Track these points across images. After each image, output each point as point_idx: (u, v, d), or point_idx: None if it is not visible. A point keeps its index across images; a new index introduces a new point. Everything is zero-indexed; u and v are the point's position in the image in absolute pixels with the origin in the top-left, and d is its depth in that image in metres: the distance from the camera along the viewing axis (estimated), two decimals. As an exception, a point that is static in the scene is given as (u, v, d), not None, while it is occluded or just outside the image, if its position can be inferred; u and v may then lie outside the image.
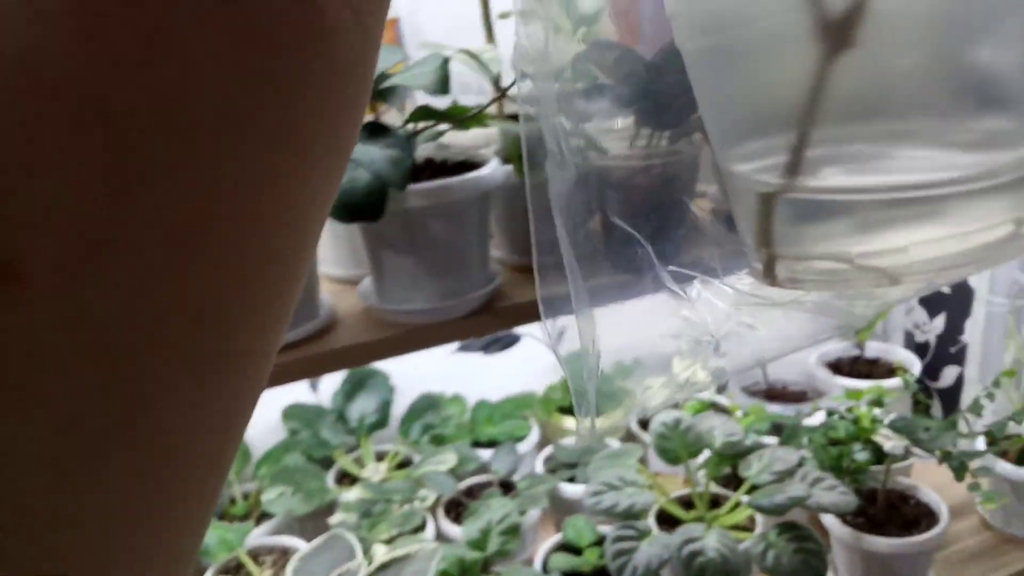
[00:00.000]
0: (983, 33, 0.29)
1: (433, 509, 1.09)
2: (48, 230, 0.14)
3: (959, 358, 1.54)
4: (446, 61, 0.70)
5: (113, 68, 0.14)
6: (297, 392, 1.30)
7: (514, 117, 0.84)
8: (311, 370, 0.71)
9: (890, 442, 1.06)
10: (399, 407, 1.29)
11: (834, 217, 0.32)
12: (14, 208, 0.13)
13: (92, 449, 0.15)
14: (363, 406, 1.23)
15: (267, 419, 1.27)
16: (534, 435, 1.29)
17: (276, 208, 0.17)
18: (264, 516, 1.11)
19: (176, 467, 0.17)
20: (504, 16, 0.92)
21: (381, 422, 1.23)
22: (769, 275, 0.35)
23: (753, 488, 0.99)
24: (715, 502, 1.10)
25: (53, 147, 0.13)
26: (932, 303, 1.61)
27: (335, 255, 0.85)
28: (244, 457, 1.21)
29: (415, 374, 1.36)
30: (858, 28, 0.27)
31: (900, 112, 0.30)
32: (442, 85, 0.69)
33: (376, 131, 0.66)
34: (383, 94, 0.70)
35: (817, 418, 1.24)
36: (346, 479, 1.21)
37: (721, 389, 1.50)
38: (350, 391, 1.25)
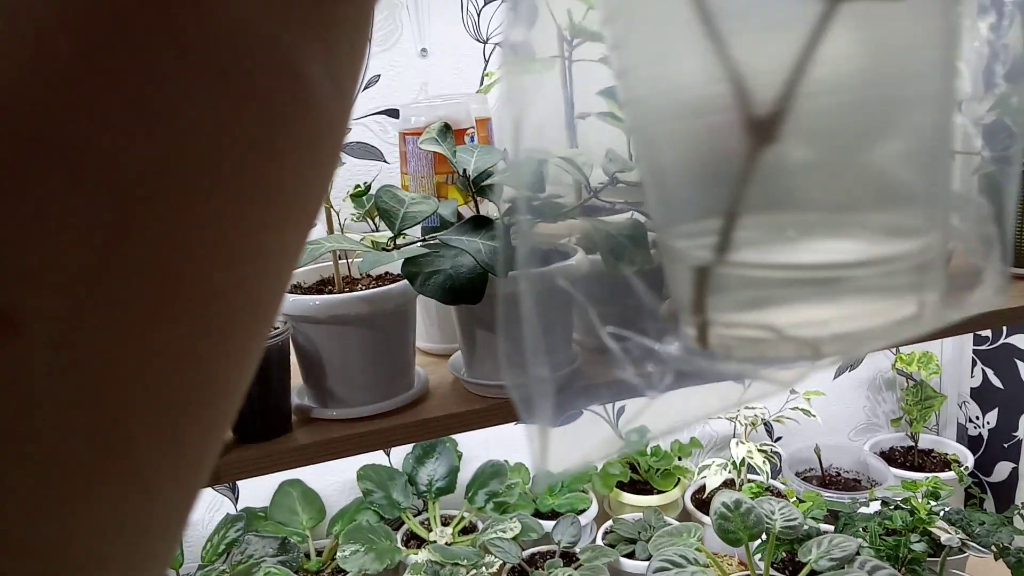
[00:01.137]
0: (886, 136, 0.32)
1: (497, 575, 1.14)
2: (44, 281, 0.14)
3: (1013, 453, 1.55)
4: (542, 163, 0.79)
5: (115, 129, 0.15)
6: (370, 454, 1.37)
7: (594, 211, 0.92)
8: (408, 437, 0.77)
9: (945, 535, 1.09)
10: (465, 471, 1.35)
11: (761, 291, 0.34)
12: (11, 260, 0.14)
13: (76, 483, 0.16)
14: (432, 471, 1.29)
15: (343, 478, 1.34)
16: (593, 508, 1.34)
17: (259, 259, 0.18)
18: (337, 572, 1.17)
19: (152, 503, 0.18)
20: (582, 117, 1.01)
21: (448, 487, 1.29)
22: (702, 340, 0.36)
23: (812, 573, 1.02)
24: (772, 584, 1.12)
25: (51, 202, 0.14)
26: (985, 398, 1.63)
27: (427, 331, 0.93)
28: (319, 513, 1.27)
29: (480, 439, 1.42)
30: (782, 125, 0.29)
31: (814, 202, 0.33)
32: (539, 185, 0.77)
33: (480, 224, 0.74)
34: (484, 190, 0.79)
35: (872, 507, 1.26)
36: (413, 541, 1.26)
37: (775, 474, 1.53)
38: (420, 455, 1.31)
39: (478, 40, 1.25)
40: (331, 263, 0.80)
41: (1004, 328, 1.55)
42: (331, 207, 0.76)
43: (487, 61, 1.26)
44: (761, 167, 0.31)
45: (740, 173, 0.31)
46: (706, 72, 0.31)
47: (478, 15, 1.24)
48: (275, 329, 0.73)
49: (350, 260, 0.83)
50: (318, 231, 1.04)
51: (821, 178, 0.32)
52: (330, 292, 0.78)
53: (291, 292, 0.79)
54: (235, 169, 0.16)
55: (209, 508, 1.30)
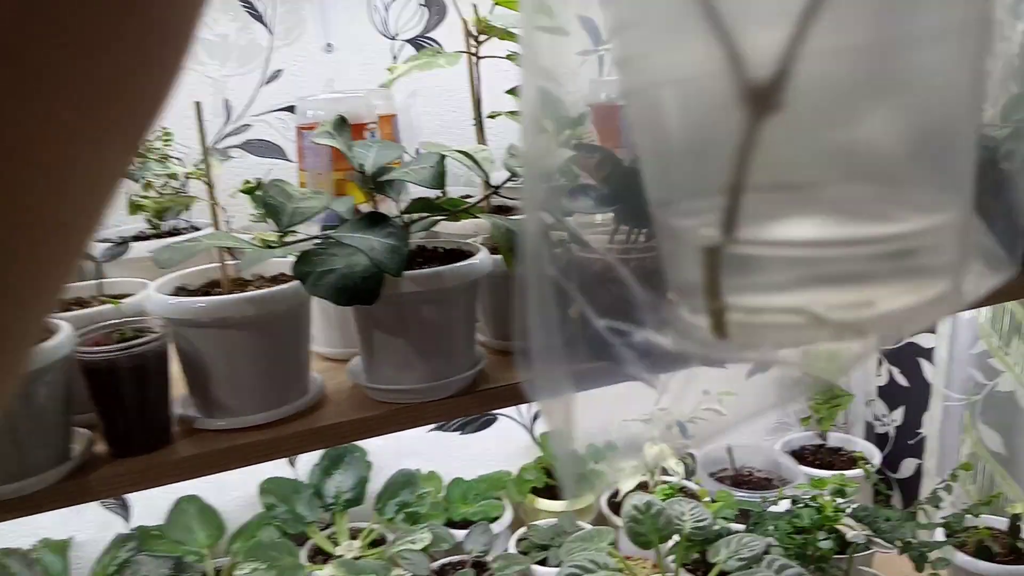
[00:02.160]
0: (894, 104, 0.30)
1: (406, 588, 1.10)
2: None
3: (918, 450, 1.59)
4: (442, 159, 0.76)
5: None
6: (273, 465, 1.31)
7: (501, 210, 0.89)
8: (300, 446, 0.73)
9: (852, 532, 1.10)
10: (375, 481, 1.31)
11: (789, 271, 0.32)
12: None
13: None
14: (340, 482, 1.24)
15: (244, 492, 1.28)
16: (507, 515, 1.31)
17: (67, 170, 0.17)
18: (236, 591, 1.11)
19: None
20: (493, 116, 0.99)
21: (357, 499, 1.24)
22: (719, 328, 0.33)
23: (722, 574, 1.01)
24: (684, 587, 1.12)
25: None
26: (891, 396, 1.67)
27: (327, 335, 0.89)
28: (218, 531, 1.21)
29: (392, 450, 1.38)
30: (783, 93, 0.28)
31: (822, 175, 0.31)
32: (438, 181, 0.75)
33: (376, 220, 0.71)
34: (382, 186, 0.76)
35: (783, 505, 1.27)
36: (319, 556, 1.21)
37: (689, 474, 1.53)
38: (328, 466, 1.26)
39: (386, 36, 1.21)
40: (220, 264, 0.75)
41: (907, 328, 1.59)
42: (216, 203, 0.71)
43: (395, 58, 1.22)
44: (765, 138, 0.29)
45: (743, 144, 0.29)
46: (705, 43, 0.29)
47: (386, 10, 1.20)
48: (152, 333, 0.68)
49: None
50: (204, 232, 0.99)
51: (829, 149, 0.30)
52: (218, 294, 0.73)
53: (175, 294, 0.74)
54: (36, 60, 0.14)
55: (99, 527, 1.22)
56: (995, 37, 0.33)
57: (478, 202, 0.75)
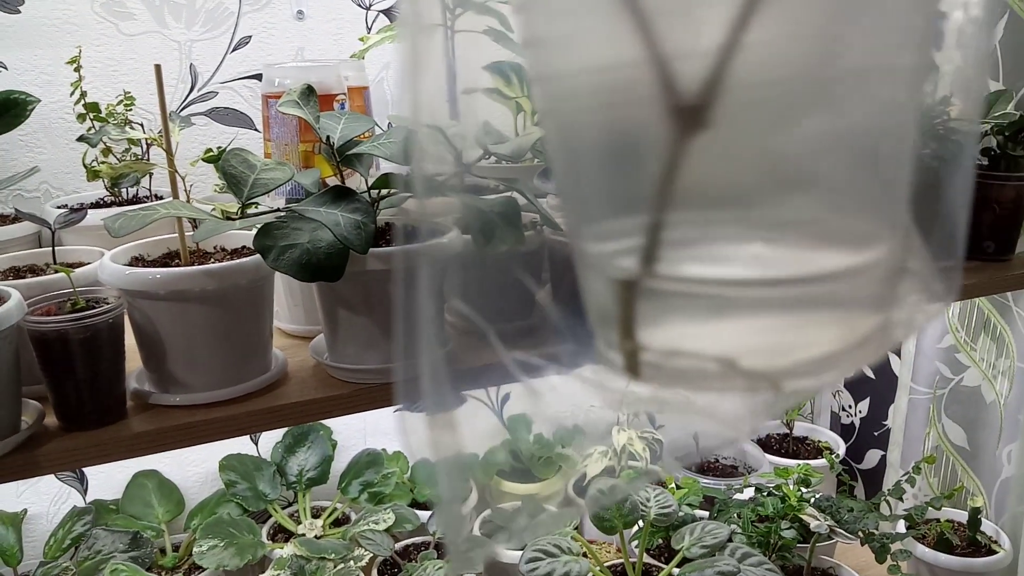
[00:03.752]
0: (823, 120, 0.27)
1: (368, 569, 1.09)
2: None
3: (882, 442, 1.61)
4: (412, 134, 0.74)
5: None
6: (236, 442, 1.29)
7: (474, 189, 0.87)
8: (259, 425, 0.71)
9: (815, 522, 1.10)
10: (340, 460, 1.29)
11: (705, 311, 0.29)
12: None
13: None
14: (303, 460, 1.23)
15: (204, 469, 1.25)
16: (473, 497, 1.30)
17: None
18: (194, 569, 1.09)
19: None
20: (468, 92, 0.97)
21: (321, 478, 1.22)
22: (632, 369, 0.31)
23: (684, 560, 1.01)
24: (647, 572, 1.11)
25: None
26: (857, 388, 1.68)
27: (291, 312, 0.87)
28: (177, 507, 1.19)
29: (357, 428, 1.36)
30: (712, 111, 0.26)
31: (750, 196, 0.28)
32: (407, 156, 0.72)
33: (341, 195, 0.69)
34: (350, 160, 0.73)
35: (747, 493, 1.27)
36: (281, 534, 1.19)
37: (655, 460, 1.53)
38: (291, 444, 1.25)
39: (360, 5, 1.18)
40: (179, 234, 0.72)
41: (876, 320, 1.59)
42: (175, 171, 0.69)
43: (370, 28, 1.19)
44: (691, 156, 0.26)
45: (667, 163, 0.26)
46: (627, 49, 0.27)
47: (361, -21, 1.17)
48: (106, 304, 0.66)
49: (201, 231, 0.75)
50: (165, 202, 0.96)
51: (758, 170, 0.28)
52: (177, 266, 0.71)
53: (131, 264, 0.72)
54: None
55: (54, 500, 1.20)
56: (930, 72, 0.31)
57: (447, 179, 0.73)
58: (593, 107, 0.30)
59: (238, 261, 0.68)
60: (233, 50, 1.12)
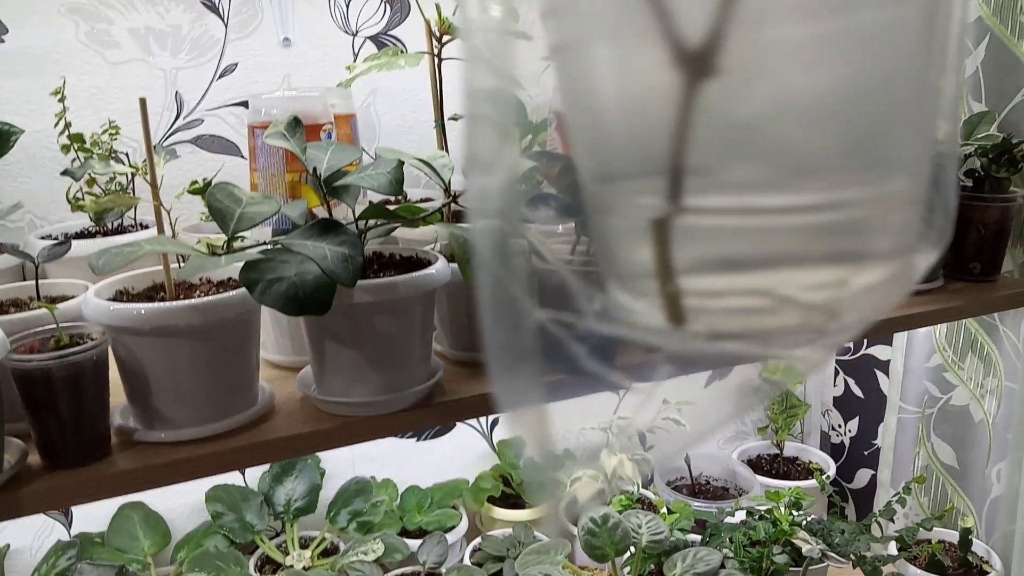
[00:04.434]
0: (838, 73, 0.28)
1: (356, 600, 1.07)
2: None
3: (872, 461, 1.61)
4: (400, 165, 0.74)
5: None
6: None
7: (461, 217, 0.87)
8: (245, 461, 0.70)
9: (807, 546, 1.10)
10: (328, 488, 1.28)
11: (749, 244, 0.29)
12: None
13: None
14: (291, 490, 1.21)
15: (191, 500, 1.24)
16: (463, 525, 1.29)
17: None
18: (180, 603, 1.07)
19: None
20: (455, 118, 0.97)
21: (309, 507, 1.21)
22: (675, 315, 0.30)
23: (676, 587, 1.00)
24: (639, 600, 1.11)
25: None
26: (847, 407, 1.68)
27: (277, 342, 0.86)
28: (163, 539, 1.17)
29: (346, 456, 1.35)
30: (717, 57, 0.27)
31: (775, 148, 0.28)
32: (396, 188, 0.72)
33: (328, 228, 0.68)
34: (337, 191, 0.73)
35: (739, 516, 1.27)
36: (269, 566, 1.18)
37: (647, 484, 1.53)
38: (279, 474, 1.23)
39: (346, 32, 1.18)
40: (164, 268, 0.72)
41: (864, 339, 1.60)
42: (160, 204, 0.68)
43: (356, 55, 1.19)
44: (705, 106, 0.27)
45: (681, 111, 0.27)
46: (638, 15, 0.28)
47: (347, 5, 1.17)
48: (90, 340, 0.65)
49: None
50: (150, 232, 0.95)
51: (772, 109, 0.28)
52: (162, 300, 0.70)
53: (116, 298, 0.71)
54: None
55: (38, 534, 1.18)
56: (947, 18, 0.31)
57: (436, 211, 0.73)
58: (609, 74, 0.31)
59: (224, 295, 0.68)
60: (219, 77, 1.12)
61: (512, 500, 1.41)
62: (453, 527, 1.28)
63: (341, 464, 1.34)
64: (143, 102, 0.64)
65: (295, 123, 0.73)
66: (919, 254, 0.32)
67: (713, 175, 0.29)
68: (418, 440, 1.42)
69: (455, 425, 1.43)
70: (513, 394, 0.38)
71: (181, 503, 1.24)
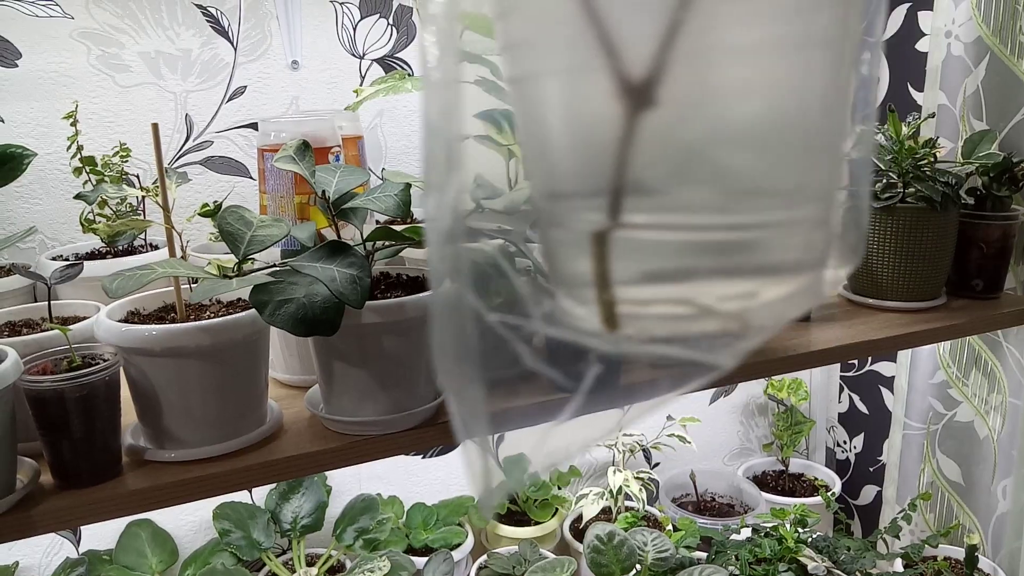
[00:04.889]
0: (762, 105, 0.31)
1: (363, 618, 1.08)
2: None
3: (877, 477, 1.61)
4: (407, 187, 0.75)
5: None
6: (230, 490, 1.28)
7: (466, 239, 0.88)
8: (254, 480, 0.71)
9: (812, 563, 1.10)
10: (335, 505, 1.28)
11: (674, 259, 0.32)
12: None
13: None
14: (297, 507, 1.22)
15: (198, 518, 1.25)
16: (469, 542, 1.29)
17: None
18: (187, 621, 1.08)
19: None
20: (460, 139, 0.98)
21: (315, 524, 1.22)
22: (610, 321, 0.34)
23: (682, 605, 1.01)
24: (645, 618, 1.11)
25: None
26: (852, 423, 1.68)
27: (286, 361, 0.87)
28: (171, 556, 1.18)
29: (352, 473, 1.36)
30: (659, 90, 0.30)
31: (705, 172, 0.32)
32: (403, 210, 0.73)
33: (337, 250, 0.69)
34: (345, 213, 0.74)
35: (744, 533, 1.27)
36: (275, 583, 1.18)
37: (652, 500, 1.53)
38: (285, 491, 1.24)
39: (354, 55, 1.20)
40: (175, 289, 0.73)
41: (869, 356, 1.60)
42: (172, 227, 0.69)
43: (363, 77, 1.21)
44: (645, 135, 0.30)
45: (623, 138, 0.30)
46: (584, 53, 0.31)
47: (354, 29, 1.19)
48: (103, 361, 0.66)
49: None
50: (161, 253, 0.97)
51: (703, 139, 0.31)
52: (172, 320, 0.71)
53: (127, 319, 0.72)
54: None
55: (47, 551, 1.19)
56: (855, 51, 0.34)
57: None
58: (559, 103, 0.34)
59: (234, 316, 0.69)
60: (228, 100, 1.14)
61: (518, 517, 1.41)
62: (459, 544, 1.28)
63: (347, 481, 1.35)
64: (155, 127, 0.65)
65: (304, 147, 0.74)
66: (826, 269, 0.35)
67: (653, 196, 0.32)
68: (424, 457, 1.42)
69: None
70: (467, 420, 0.39)
71: (189, 521, 1.24)
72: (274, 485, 1.28)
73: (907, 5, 1.39)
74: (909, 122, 1.04)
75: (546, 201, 0.36)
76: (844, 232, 0.38)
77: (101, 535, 1.20)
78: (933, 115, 1.23)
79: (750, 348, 0.34)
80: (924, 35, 1.37)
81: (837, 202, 0.35)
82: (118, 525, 1.19)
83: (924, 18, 1.38)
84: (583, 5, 0.30)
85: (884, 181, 1.03)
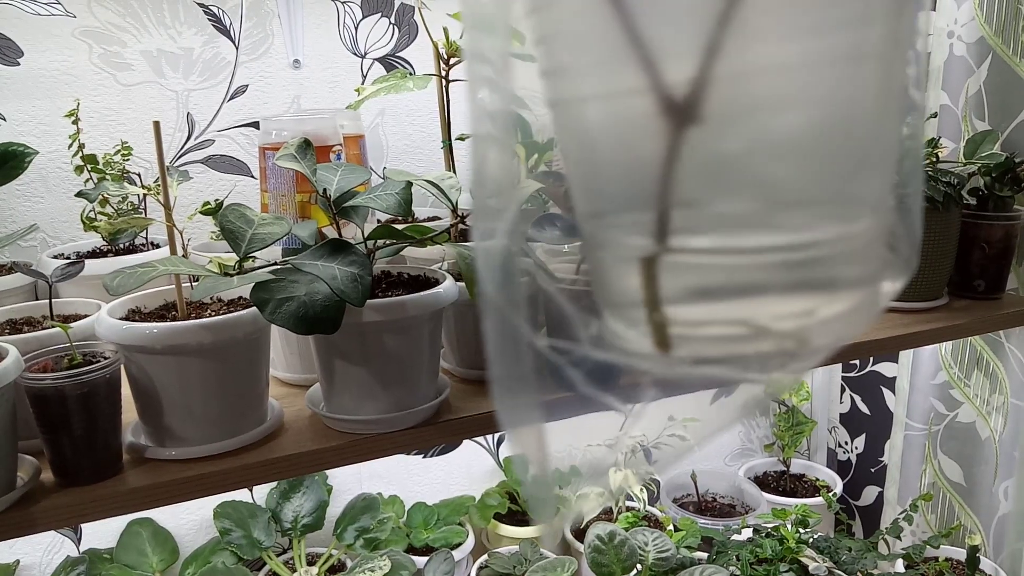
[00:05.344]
0: (810, 118, 0.31)
1: (363, 617, 1.08)
2: None
3: (879, 478, 1.60)
4: (408, 186, 0.75)
5: None
6: (231, 489, 1.28)
7: (468, 237, 0.88)
8: (255, 478, 0.71)
9: (814, 563, 1.10)
10: (335, 505, 1.28)
11: (726, 279, 0.32)
12: None
13: None
14: (298, 506, 1.22)
15: (199, 516, 1.24)
16: (470, 541, 1.29)
17: None
18: (187, 619, 1.08)
19: None
20: (463, 138, 0.98)
21: (316, 524, 1.21)
22: (662, 343, 0.34)
23: (683, 605, 1.00)
24: (645, 618, 1.10)
25: None
26: (854, 423, 1.68)
27: (287, 360, 0.87)
28: (172, 555, 1.18)
29: (353, 473, 1.36)
30: (702, 107, 0.30)
31: (750, 188, 0.32)
32: (404, 208, 0.73)
33: (338, 248, 0.69)
34: (346, 211, 0.74)
35: (746, 533, 1.27)
36: (275, 582, 1.18)
37: (653, 501, 1.53)
38: (286, 490, 1.24)
39: (355, 54, 1.20)
40: (176, 287, 0.73)
41: (871, 357, 1.60)
42: (173, 225, 0.69)
43: (365, 76, 1.21)
44: (690, 150, 0.30)
45: (667, 155, 0.30)
46: (628, 76, 0.31)
47: (355, 28, 1.19)
48: (104, 359, 0.66)
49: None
50: (162, 251, 0.97)
51: (750, 154, 0.31)
52: (173, 318, 0.71)
53: (128, 317, 0.72)
54: None
55: (47, 550, 1.19)
56: (908, 57, 0.34)
57: (443, 231, 0.74)
58: (603, 125, 0.34)
59: (235, 314, 0.69)
60: (230, 99, 1.14)
61: (518, 517, 1.41)
62: (460, 544, 1.28)
63: (348, 480, 1.35)
64: (157, 126, 0.65)
65: (305, 145, 0.74)
66: (883, 283, 0.35)
67: (698, 209, 0.32)
68: (425, 457, 1.42)
69: (462, 442, 1.43)
70: (514, 413, 0.39)
71: (189, 519, 1.24)
72: (275, 484, 1.28)
73: (909, 5, 1.39)
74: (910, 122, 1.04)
75: (591, 221, 0.35)
76: (897, 242, 0.37)
77: (102, 534, 1.20)
78: (935, 115, 1.23)
79: (805, 369, 0.34)
80: (927, 35, 1.37)
81: (891, 213, 0.35)
82: (119, 524, 1.19)
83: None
84: (623, 26, 0.30)
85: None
